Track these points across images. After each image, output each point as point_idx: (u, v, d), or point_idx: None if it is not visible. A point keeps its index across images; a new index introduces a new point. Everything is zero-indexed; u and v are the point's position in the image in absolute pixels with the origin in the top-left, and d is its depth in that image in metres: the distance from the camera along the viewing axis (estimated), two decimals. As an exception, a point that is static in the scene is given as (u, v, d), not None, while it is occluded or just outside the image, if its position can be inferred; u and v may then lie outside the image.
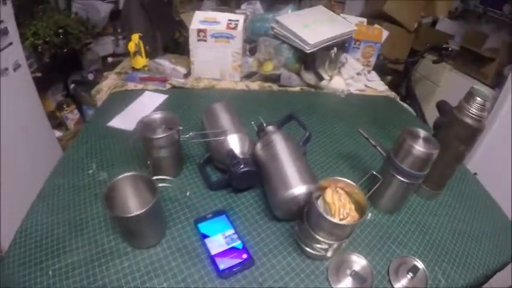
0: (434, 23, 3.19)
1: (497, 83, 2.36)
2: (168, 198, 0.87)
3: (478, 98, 0.78)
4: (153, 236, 0.76)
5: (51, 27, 2.11)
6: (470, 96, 0.80)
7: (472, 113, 0.79)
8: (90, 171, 0.95)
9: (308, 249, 0.73)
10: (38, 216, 0.82)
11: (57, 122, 2.43)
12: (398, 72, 2.82)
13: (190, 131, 0.89)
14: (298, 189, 0.75)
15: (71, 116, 2.45)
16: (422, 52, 2.60)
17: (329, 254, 0.73)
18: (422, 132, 0.79)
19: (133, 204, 0.76)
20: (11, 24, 1.63)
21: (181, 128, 0.86)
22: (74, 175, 0.94)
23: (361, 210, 0.70)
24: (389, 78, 2.81)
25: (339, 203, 0.70)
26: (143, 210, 0.65)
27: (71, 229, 0.78)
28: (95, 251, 0.74)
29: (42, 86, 2.16)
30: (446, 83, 2.85)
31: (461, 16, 3.08)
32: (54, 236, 0.77)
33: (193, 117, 1.17)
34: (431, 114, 1.16)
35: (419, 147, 0.76)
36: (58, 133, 2.37)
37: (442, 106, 1.10)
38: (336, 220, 0.66)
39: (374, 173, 0.81)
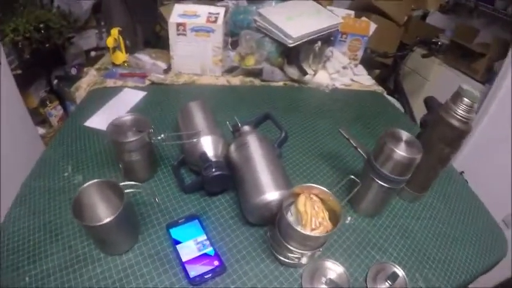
0: (424, 16, 3.16)
1: (487, 79, 2.35)
2: (141, 201, 0.84)
3: (466, 99, 0.74)
4: (124, 242, 0.74)
5: (31, 23, 2.05)
6: (457, 96, 0.76)
7: (458, 115, 0.76)
8: (66, 174, 0.93)
9: (281, 256, 0.71)
10: (15, 221, 0.80)
11: (40, 119, 2.39)
12: (386, 66, 2.80)
13: (166, 130, 0.87)
14: (271, 195, 0.73)
15: (55, 112, 2.41)
16: (411, 46, 2.57)
17: (303, 261, 0.71)
18: (405, 135, 0.76)
19: (103, 211, 0.74)
20: None
21: (152, 130, 0.83)
22: (50, 178, 0.92)
23: (336, 218, 0.67)
24: (377, 71, 2.80)
25: (312, 212, 0.67)
26: (110, 219, 0.63)
27: (46, 234, 0.77)
28: (69, 257, 0.72)
29: (24, 82, 2.12)
30: (436, 78, 2.83)
31: (452, 10, 3.05)
32: (31, 242, 0.76)
33: (171, 115, 1.14)
34: (420, 110, 1.14)
35: (400, 152, 0.73)
36: (42, 130, 2.34)
37: (429, 102, 1.07)
38: (306, 232, 0.64)
39: (352, 177, 0.78)
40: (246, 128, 0.90)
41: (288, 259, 0.70)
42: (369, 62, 1.98)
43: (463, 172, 1.43)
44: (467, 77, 2.53)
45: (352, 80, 1.64)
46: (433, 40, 2.48)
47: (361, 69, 1.75)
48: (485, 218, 0.98)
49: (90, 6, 2.44)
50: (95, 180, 0.71)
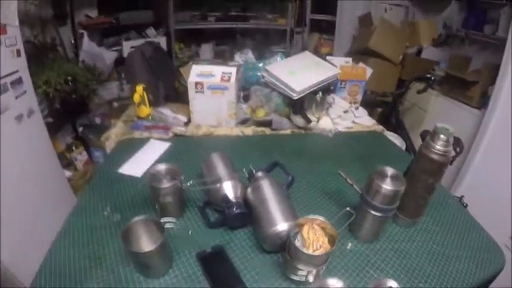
0: (419, 51, 3.34)
1: (482, 104, 2.44)
2: (173, 235, 1.00)
3: (442, 135, 0.90)
4: (161, 267, 0.89)
5: (61, 76, 2.28)
6: (434, 134, 0.92)
7: (436, 150, 0.91)
8: (105, 213, 1.08)
9: (291, 276, 0.86)
10: (59, 252, 0.94)
11: (66, 163, 2.57)
12: (388, 104, 2.92)
13: (191, 177, 1.03)
14: (281, 226, 0.89)
15: (80, 157, 2.60)
16: (408, 84, 2.69)
17: (310, 279, 0.85)
18: (390, 171, 0.92)
19: (145, 241, 0.90)
20: (25, 74, 1.79)
21: (183, 177, 1.01)
22: (90, 216, 1.07)
23: (333, 241, 0.83)
24: (379, 110, 2.94)
25: (313, 237, 0.83)
26: (154, 247, 0.80)
27: (91, 262, 0.91)
28: (112, 280, 0.86)
29: (53, 129, 2.31)
30: (434, 109, 2.96)
31: (445, 42, 3.23)
32: (76, 269, 0.89)
33: (194, 163, 1.30)
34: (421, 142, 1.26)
35: (386, 186, 0.89)
36: (68, 173, 2.51)
37: (425, 135, 1.21)
38: (309, 252, 0.80)
39: (348, 209, 0.92)
40: (260, 174, 1.07)
41: (297, 276, 0.85)
42: (369, 103, 2.14)
43: (462, 196, 1.51)
44: (464, 104, 2.63)
45: (354, 122, 1.80)
46: (427, 76, 2.59)
47: (361, 111, 1.90)
48: (481, 236, 1.07)
49: (113, 60, 2.69)
50: (141, 217, 0.87)
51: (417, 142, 2.71)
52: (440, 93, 2.90)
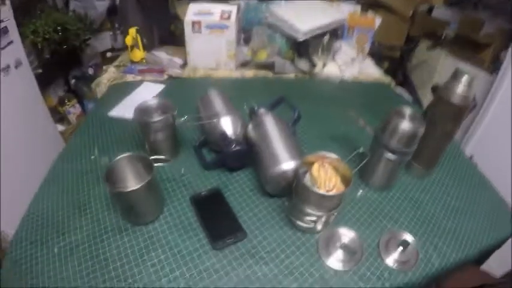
0: (430, 10, 3.14)
1: (494, 68, 2.34)
2: (165, 178, 0.91)
3: (464, 77, 0.81)
4: (150, 211, 0.80)
5: (50, 25, 2.14)
6: (455, 76, 0.83)
7: (457, 92, 0.82)
8: (93, 157, 1.00)
9: (298, 222, 0.77)
10: (43, 200, 0.87)
11: (59, 117, 2.48)
12: (394, 59, 2.84)
13: (186, 114, 0.93)
14: (287, 164, 0.79)
15: (73, 110, 2.49)
16: (417, 40, 2.60)
17: (319, 227, 0.77)
18: (409, 110, 0.82)
19: (132, 182, 0.81)
20: (11, 24, 1.67)
21: (175, 112, 0.90)
22: (78, 160, 1.00)
23: (347, 183, 0.73)
24: (386, 64, 2.83)
25: (325, 176, 0.73)
26: (140, 185, 0.70)
27: (75, 210, 0.84)
28: (97, 228, 0.79)
29: (44, 82, 2.19)
30: (443, 69, 2.82)
31: (457, 3, 3.03)
32: (59, 217, 0.82)
33: (189, 104, 1.19)
34: (428, 100, 1.18)
35: (404, 125, 0.79)
36: (61, 127, 2.42)
37: (436, 89, 1.13)
38: (321, 191, 0.70)
39: (361, 149, 0.84)
40: (262, 110, 0.96)
41: (304, 223, 0.76)
42: (377, 55, 2.03)
43: (472, 156, 1.45)
44: (475, 67, 2.51)
45: (361, 71, 1.69)
46: (437, 33, 2.51)
47: (369, 62, 1.80)
48: (492, 195, 1.01)
49: (104, 9, 2.53)
50: (127, 154, 0.78)
51: (424, 101, 2.65)
52: (450, 53, 2.77)
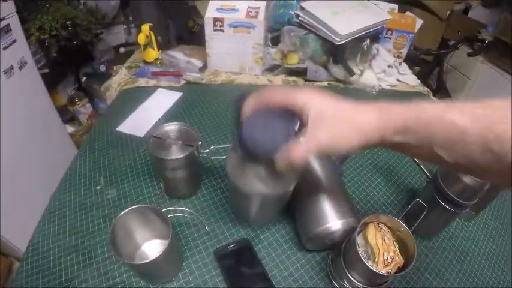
0: (466, 10, 2.96)
1: None
2: (184, 222, 0.75)
3: None
4: (168, 273, 0.65)
5: (57, 20, 1.98)
6: None
7: None
8: (98, 187, 0.85)
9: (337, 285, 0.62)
10: (45, 239, 0.74)
11: (69, 116, 2.36)
12: (427, 63, 2.63)
13: (209, 139, 0.78)
14: (335, 224, 0.63)
15: (83, 110, 2.36)
16: (456, 43, 2.39)
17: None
18: None
19: (142, 236, 0.66)
20: (14, 20, 1.54)
21: (200, 143, 0.72)
22: (81, 191, 0.84)
23: (405, 248, 0.58)
24: (417, 68, 2.64)
25: (383, 246, 0.57)
26: (157, 256, 0.53)
27: (79, 257, 0.70)
28: (105, 284, 0.65)
29: (52, 80, 2.08)
30: (479, 77, 2.65)
31: (495, 4, 2.83)
32: (62, 265, 0.68)
33: (211, 119, 1.05)
34: None
35: (471, 178, 0.62)
36: (70, 128, 2.30)
37: None
38: (378, 270, 0.54)
39: (419, 201, 0.68)
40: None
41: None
42: (413, 60, 1.84)
43: None
44: None
45: (398, 80, 1.51)
46: (479, 37, 2.29)
47: (405, 68, 1.61)
48: None
49: (117, 1, 2.38)
50: (134, 207, 0.61)
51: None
52: (487, 60, 2.55)
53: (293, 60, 1.33)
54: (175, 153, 0.69)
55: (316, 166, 0.71)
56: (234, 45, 1.30)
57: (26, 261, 0.70)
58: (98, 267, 0.67)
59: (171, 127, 0.75)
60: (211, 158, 0.76)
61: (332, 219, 0.63)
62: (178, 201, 0.79)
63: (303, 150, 0.43)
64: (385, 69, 1.49)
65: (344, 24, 1.26)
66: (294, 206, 0.72)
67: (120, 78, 1.37)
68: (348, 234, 0.62)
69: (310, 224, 0.65)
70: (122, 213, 0.59)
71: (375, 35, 1.43)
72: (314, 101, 0.44)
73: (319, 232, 0.63)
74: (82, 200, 0.82)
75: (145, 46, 1.41)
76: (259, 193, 0.64)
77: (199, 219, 0.73)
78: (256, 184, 0.65)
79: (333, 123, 0.42)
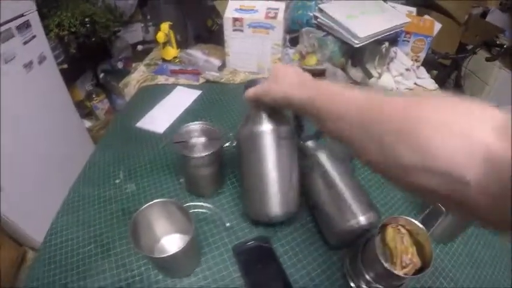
0: (484, 14, 2.88)
1: None
2: (203, 218, 0.75)
3: None
4: (186, 268, 0.66)
5: (77, 17, 2.01)
6: None
7: None
8: (117, 181, 0.86)
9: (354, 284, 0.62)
10: (63, 230, 0.75)
11: (86, 112, 2.39)
12: (444, 67, 2.60)
13: (228, 135, 0.79)
14: (361, 219, 0.63)
15: (101, 105, 2.39)
16: (474, 47, 2.35)
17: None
18: None
19: (162, 230, 0.67)
20: (33, 17, 1.57)
21: (229, 142, 0.74)
22: (100, 184, 0.86)
23: (422, 251, 0.58)
24: (435, 72, 2.60)
25: (401, 247, 0.57)
26: (178, 250, 0.55)
27: (98, 249, 0.71)
28: (123, 276, 0.65)
29: (71, 76, 2.11)
30: (496, 82, 2.59)
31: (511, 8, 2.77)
32: (80, 256, 0.70)
33: (231, 118, 1.06)
34: None
35: None
36: (88, 123, 2.34)
37: None
38: (397, 272, 0.54)
39: (438, 205, 0.68)
40: (311, 144, 0.77)
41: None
42: (431, 64, 1.82)
43: None
44: None
45: (416, 84, 1.50)
46: (497, 42, 2.25)
47: (423, 72, 1.59)
48: None
49: (135, 0, 2.41)
50: (157, 200, 0.62)
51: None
52: (504, 65, 2.50)
53: (311, 62, 1.33)
54: (200, 151, 0.70)
55: (329, 166, 0.72)
56: (252, 45, 1.31)
57: (43, 251, 0.71)
58: (116, 259, 0.68)
59: (195, 126, 0.76)
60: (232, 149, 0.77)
61: (354, 215, 0.64)
62: (198, 197, 0.80)
63: (252, 91, 0.60)
64: (402, 72, 1.49)
65: (363, 26, 1.26)
66: (313, 205, 0.72)
67: (139, 75, 1.39)
68: (369, 231, 0.63)
69: (334, 220, 0.66)
70: (145, 205, 0.60)
71: (393, 38, 1.43)
72: (278, 66, 0.60)
73: (345, 227, 0.64)
74: (101, 193, 0.83)
75: (164, 44, 1.43)
76: (268, 129, 0.65)
77: (218, 215, 0.74)
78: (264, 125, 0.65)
79: (274, 80, 0.57)
